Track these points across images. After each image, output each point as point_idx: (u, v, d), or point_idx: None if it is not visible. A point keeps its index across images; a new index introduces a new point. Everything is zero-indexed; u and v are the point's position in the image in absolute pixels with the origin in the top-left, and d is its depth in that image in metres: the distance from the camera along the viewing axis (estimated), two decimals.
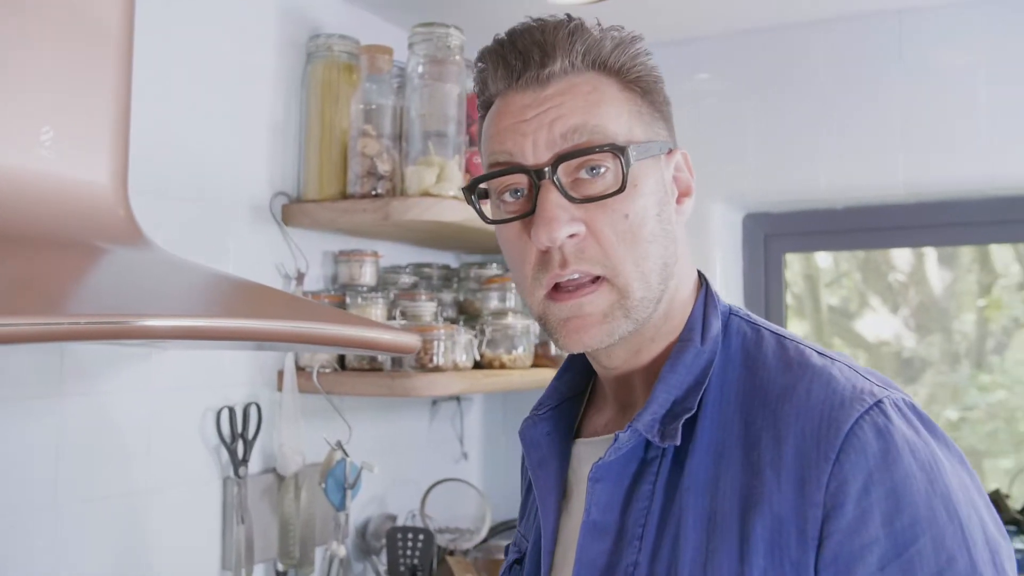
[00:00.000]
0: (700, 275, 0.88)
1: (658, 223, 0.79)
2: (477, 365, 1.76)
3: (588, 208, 0.76)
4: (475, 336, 1.75)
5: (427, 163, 1.65)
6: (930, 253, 2.97)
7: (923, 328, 3.11)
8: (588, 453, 0.85)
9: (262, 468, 1.65)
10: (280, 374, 1.68)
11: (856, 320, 3.13)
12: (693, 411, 0.78)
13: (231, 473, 1.57)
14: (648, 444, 0.79)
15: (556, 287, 0.77)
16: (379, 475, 1.85)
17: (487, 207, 0.83)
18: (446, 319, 1.79)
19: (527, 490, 0.97)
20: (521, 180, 0.78)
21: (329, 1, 1.82)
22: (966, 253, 2.91)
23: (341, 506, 1.66)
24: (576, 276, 0.76)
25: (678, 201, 0.83)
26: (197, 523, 1.53)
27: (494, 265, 1.97)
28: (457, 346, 1.68)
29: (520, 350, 1.82)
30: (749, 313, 0.86)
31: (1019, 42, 1.85)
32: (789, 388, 0.76)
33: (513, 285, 1.87)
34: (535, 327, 1.91)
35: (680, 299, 0.83)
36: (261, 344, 1.32)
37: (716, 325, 0.82)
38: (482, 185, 0.82)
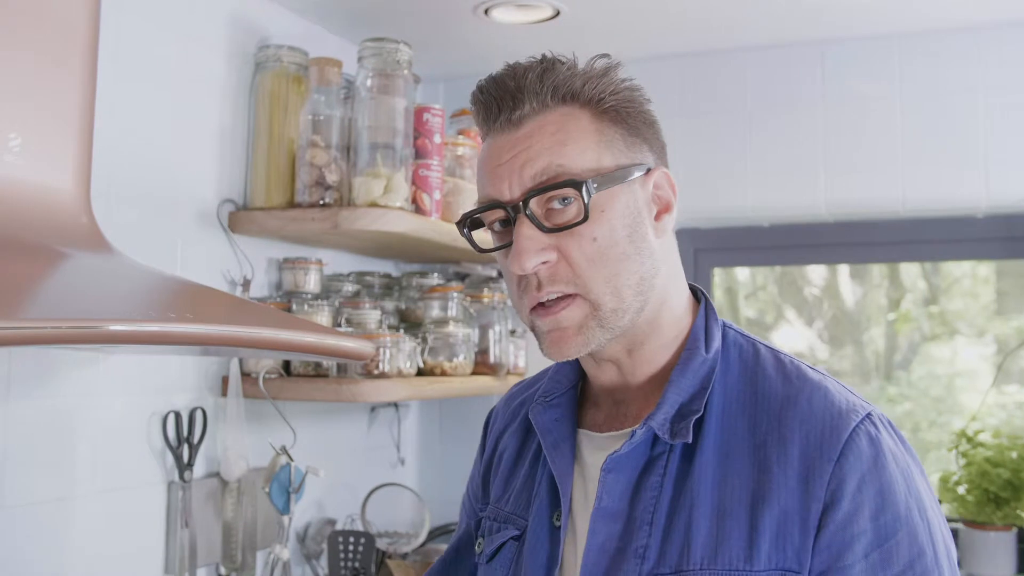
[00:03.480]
0: (698, 291, 0.97)
1: (629, 242, 0.86)
2: (419, 372, 1.81)
3: (559, 235, 0.85)
4: (418, 344, 1.80)
5: (374, 174, 1.69)
6: (843, 268, 3.12)
7: (836, 340, 3.26)
8: (591, 444, 0.93)
9: (206, 472, 1.66)
10: (225, 380, 1.69)
11: (772, 332, 3.27)
12: (700, 412, 0.87)
13: (176, 477, 1.58)
14: (655, 440, 0.88)
15: (539, 303, 0.87)
16: (318, 480, 1.87)
17: (478, 235, 0.94)
18: (389, 327, 1.83)
19: (510, 468, 1.02)
20: (503, 213, 0.88)
21: (279, 12, 1.84)
22: (876, 269, 3.07)
23: (285, 510, 1.68)
24: (553, 296, 0.86)
25: (657, 218, 0.90)
26: (141, 527, 1.54)
27: (435, 275, 2.02)
28: (402, 353, 1.72)
29: (461, 358, 1.87)
30: (740, 328, 0.96)
31: (931, 72, 1.99)
32: (792, 397, 0.87)
33: (454, 295, 1.93)
34: (475, 335, 1.97)
35: (671, 308, 0.92)
36: (210, 349, 1.34)
37: (718, 336, 0.92)
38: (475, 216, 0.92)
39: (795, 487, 0.83)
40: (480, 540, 1.02)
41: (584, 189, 0.84)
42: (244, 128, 1.76)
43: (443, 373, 1.84)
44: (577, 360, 0.97)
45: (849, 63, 2.05)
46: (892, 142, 2.02)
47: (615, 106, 0.88)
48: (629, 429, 0.90)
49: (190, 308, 1.14)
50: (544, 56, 0.89)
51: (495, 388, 1.99)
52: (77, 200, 1.09)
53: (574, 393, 0.98)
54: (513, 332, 2.12)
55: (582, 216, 0.84)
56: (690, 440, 0.86)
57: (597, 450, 0.92)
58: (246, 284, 1.73)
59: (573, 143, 0.86)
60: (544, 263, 0.85)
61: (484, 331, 2.01)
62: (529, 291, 0.86)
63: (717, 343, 0.92)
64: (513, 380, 2.07)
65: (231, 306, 1.13)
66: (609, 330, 0.87)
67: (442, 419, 2.34)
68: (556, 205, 0.86)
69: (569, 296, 0.86)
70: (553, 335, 0.87)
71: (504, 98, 0.87)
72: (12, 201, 1.01)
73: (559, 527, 0.91)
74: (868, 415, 0.85)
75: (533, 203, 0.86)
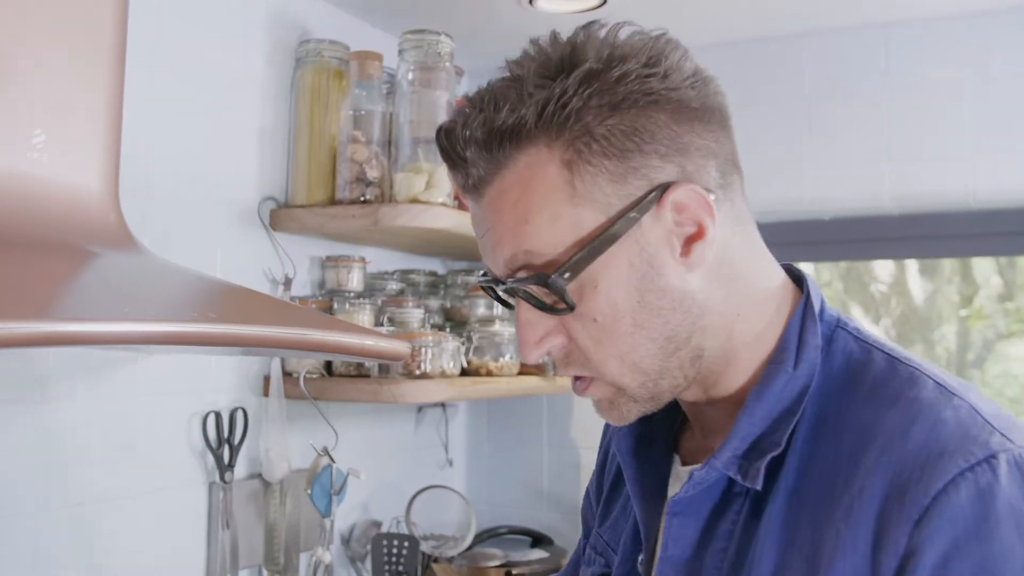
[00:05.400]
0: (799, 279, 0.77)
1: (641, 308, 0.69)
2: (464, 372, 1.76)
3: (562, 316, 0.70)
4: (462, 343, 1.76)
5: (416, 170, 1.65)
6: (911, 264, 3.00)
7: (905, 338, 3.14)
8: (676, 478, 0.79)
9: (248, 474, 1.64)
10: (266, 379, 1.67)
11: None
12: (780, 449, 0.68)
13: (216, 478, 1.56)
14: (731, 479, 0.71)
15: None
16: (364, 481, 1.84)
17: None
18: (433, 326, 1.79)
19: (612, 486, 0.89)
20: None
21: (319, 6, 1.82)
22: (947, 264, 2.94)
23: (327, 512, 1.65)
24: (572, 374, 0.74)
25: (685, 251, 0.69)
26: (182, 528, 1.53)
27: (481, 272, 1.97)
28: (444, 353, 1.68)
29: (507, 357, 1.82)
30: (860, 326, 0.75)
31: (1004, 56, 1.88)
32: (888, 428, 0.66)
33: None
34: None
35: (745, 330, 0.73)
36: (250, 349, 1.32)
37: (814, 344, 0.72)
38: None
39: (861, 553, 0.62)
40: (583, 568, 0.90)
41: (552, 283, 0.67)
42: (285, 124, 1.74)
43: (488, 373, 1.79)
44: None
45: (915, 46, 1.95)
46: (961, 130, 1.91)
47: (595, 127, 0.67)
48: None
49: (222, 308, 1.11)
50: (506, 73, 0.71)
51: (542, 389, 1.93)
52: (105, 198, 1.07)
53: (672, 409, 0.79)
54: None
55: (565, 306, 0.68)
56: (759, 487, 0.68)
57: (678, 485, 0.76)
58: (287, 283, 1.71)
59: (537, 214, 0.67)
60: (553, 346, 0.72)
61: None
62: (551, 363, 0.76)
63: (812, 353, 0.71)
64: (562, 381, 2.02)
65: (252, 305, 1.10)
66: (648, 401, 0.73)
67: (490, 420, 2.29)
68: None
69: (589, 376, 0.73)
70: (594, 403, 0.75)
71: (455, 160, 0.71)
72: (37, 198, 1.00)
73: (642, 573, 0.77)
74: (989, 458, 0.61)
75: None
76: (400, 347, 1.21)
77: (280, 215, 1.69)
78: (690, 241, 0.69)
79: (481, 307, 1.88)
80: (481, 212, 0.72)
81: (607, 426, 0.94)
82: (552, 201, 0.68)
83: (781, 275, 0.77)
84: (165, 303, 1.07)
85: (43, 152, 1.00)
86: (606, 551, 0.85)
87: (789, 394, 0.70)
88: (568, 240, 0.68)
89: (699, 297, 0.70)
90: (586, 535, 0.94)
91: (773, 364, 0.71)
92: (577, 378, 0.74)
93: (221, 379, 1.60)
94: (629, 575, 0.79)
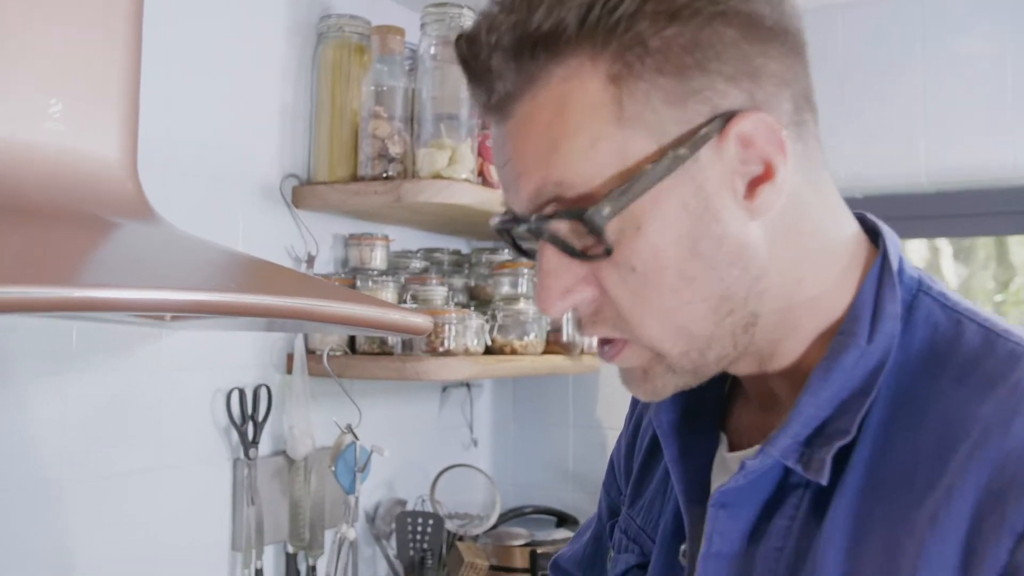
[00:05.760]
0: (874, 231, 0.65)
1: (691, 259, 0.57)
2: (488, 351, 1.75)
3: (593, 263, 0.59)
4: (487, 321, 1.74)
5: (439, 146, 1.64)
6: (945, 248, 2.93)
7: None
8: (723, 462, 0.68)
9: (272, 451, 1.64)
10: (290, 357, 1.67)
11: None
12: (850, 437, 0.58)
13: (241, 455, 1.56)
14: (789, 468, 0.61)
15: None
16: (388, 460, 1.84)
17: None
18: (457, 304, 1.78)
19: (644, 463, 0.79)
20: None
21: None
22: (982, 249, 2.87)
23: (351, 489, 1.65)
24: (600, 336, 0.62)
25: (750, 194, 0.58)
26: (208, 504, 1.53)
27: (505, 251, 1.96)
28: (468, 331, 1.67)
29: (532, 336, 1.81)
30: (946, 291, 0.62)
31: None
32: (983, 418, 0.55)
33: (525, 271, 1.86)
34: None
35: (810, 289, 0.61)
36: (272, 323, 1.31)
37: (892, 312, 0.60)
38: None
39: (949, 564, 0.53)
40: (611, 553, 0.80)
41: (587, 219, 0.56)
42: (307, 101, 1.72)
43: (513, 352, 1.78)
44: None
45: (953, 16, 1.89)
46: (1002, 103, 1.85)
47: (646, 38, 0.55)
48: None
49: (245, 280, 1.11)
50: None
51: (568, 368, 1.92)
52: (122, 168, 1.07)
53: (720, 378, 0.68)
54: None
55: (601, 251, 0.57)
56: (824, 482, 0.58)
57: (726, 472, 0.65)
58: (310, 260, 1.70)
59: (573, 137, 0.56)
60: (580, 300, 0.60)
61: None
62: (575, 321, 0.63)
63: (889, 323, 0.60)
64: (588, 360, 2.00)
65: (272, 276, 1.09)
66: (688, 374, 0.62)
67: (516, 400, 2.28)
68: None
69: (621, 339, 0.61)
70: (622, 374, 0.64)
71: (477, 72, 0.59)
72: (55, 168, 0.99)
73: (688, 565, 0.67)
74: None
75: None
76: (422, 321, 1.20)
77: (302, 192, 1.68)
78: (756, 183, 0.58)
79: (506, 286, 1.86)
80: (505, 136, 0.60)
81: None
82: (593, 122, 0.56)
83: (854, 227, 0.64)
84: (188, 273, 1.06)
85: (59, 122, 0.99)
86: (640, 537, 0.75)
87: (861, 372, 0.59)
88: (609, 170, 0.56)
89: (760, 252, 0.59)
90: (611, 513, 0.85)
91: (842, 336, 0.60)
92: (605, 342, 0.62)
93: (244, 357, 1.60)
94: (671, 567, 0.69)
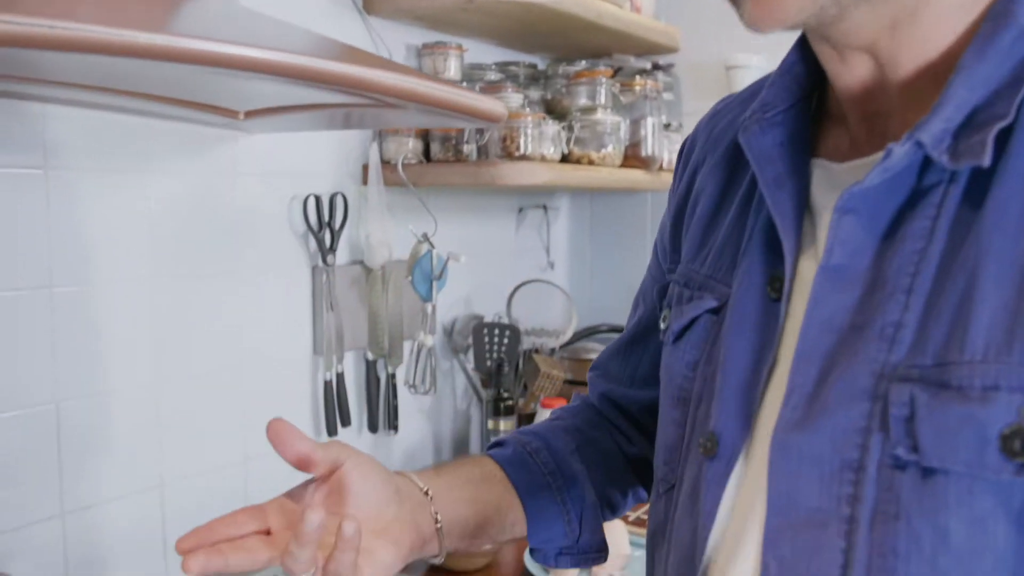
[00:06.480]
0: None
1: None
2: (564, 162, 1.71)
3: None
4: (563, 129, 1.69)
5: None
6: None
7: None
8: (828, 179, 0.63)
9: (349, 260, 1.66)
10: (365, 168, 1.66)
11: None
12: (1009, 119, 0.52)
13: (319, 262, 1.58)
14: (925, 165, 0.55)
15: None
16: (465, 277, 1.85)
17: None
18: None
19: (709, 216, 0.74)
20: None
21: None
22: None
23: (428, 297, 1.66)
24: None
25: None
26: (288, 308, 1.56)
27: (583, 62, 1.88)
28: (544, 137, 1.62)
29: (609, 148, 1.75)
30: None
31: None
32: None
33: (603, 79, 1.79)
34: (626, 128, 1.84)
35: None
36: (350, 117, 1.28)
37: None
38: None
39: None
40: (666, 313, 0.75)
41: None
42: None
43: (590, 163, 1.73)
44: (810, 58, 0.65)
45: None
46: None
47: None
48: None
49: (328, 51, 1.07)
50: None
51: (646, 183, 1.87)
52: None
53: (806, 106, 0.66)
54: (668, 126, 1.98)
55: None
56: (986, 163, 0.52)
57: (835, 188, 0.60)
58: None
59: None
60: None
61: (636, 124, 1.87)
62: None
63: None
64: (666, 177, 1.94)
65: (352, 52, 1.05)
66: None
67: (592, 222, 2.25)
68: None
69: None
70: None
71: None
72: None
73: (777, 299, 0.62)
74: None
75: None
76: (496, 106, 1.16)
77: None
78: None
79: (583, 96, 1.80)
80: None
81: (682, 154, 0.83)
82: None
83: None
84: (271, 38, 1.03)
85: None
86: (708, 284, 0.70)
87: (1018, 54, 0.53)
88: None
89: None
90: (657, 282, 0.82)
91: (994, 16, 0.54)
92: None
93: (320, 165, 1.59)
94: (758, 301, 0.64)
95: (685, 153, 0.82)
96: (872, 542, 0.53)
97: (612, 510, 0.88)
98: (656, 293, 0.83)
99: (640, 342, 0.87)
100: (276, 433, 0.64)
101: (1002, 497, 0.50)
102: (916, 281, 0.54)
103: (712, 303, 0.69)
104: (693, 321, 0.70)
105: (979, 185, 0.53)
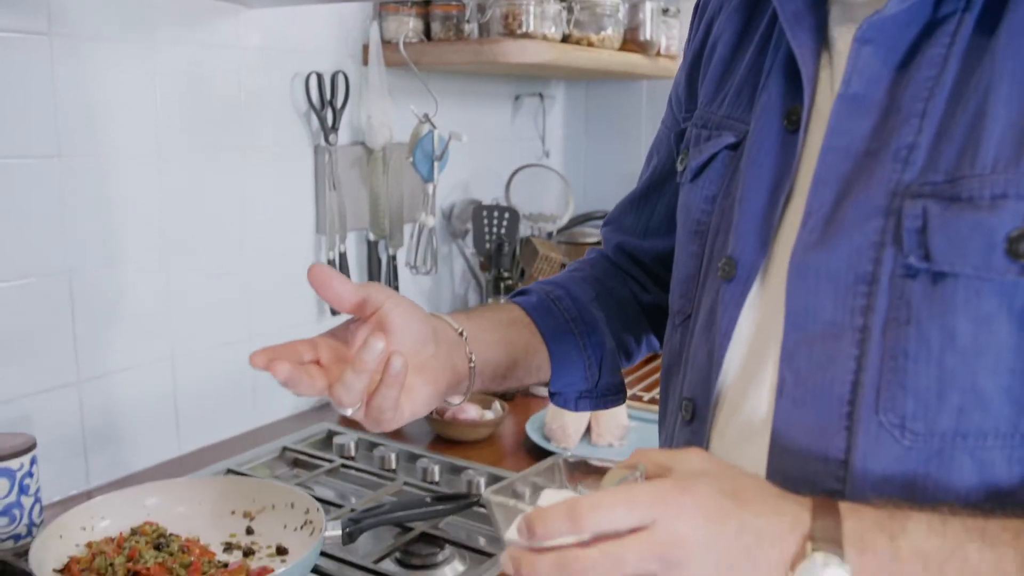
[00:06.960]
0: None
1: None
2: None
3: None
4: (563, 10, 1.68)
5: None
6: None
7: None
8: (845, 14, 0.64)
9: (351, 140, 1.66)
10: (365, 48, 1.65)
11: None
12: None
13: (322, 141, 1.58)
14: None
15: None
16: (463, 162, 1.86)
17: None
18: None
19: (726, 61, 0.76)
20: None
21: None
22: None
23: (430, 176, 1.68)
24: None
25: None
26: (291, 185, 1.57)
27: None
28: (546, 18, 1.62)
29: (609, 30, 1.75)
30: None
31: None
32: None
33: None
34: (625, 11, 1.83)
35: None
36: None
37: None
38: None
39: None
40: (683, 155, 0.78)
41: None
42: None
43: (589, 45, 1.73)
44: None
45: None
46: None
47: None
48: None
49: None
50: None
51: (644, 68, 1.87)
52: None
53: None
54: (666, 11, 1.97)
55: None
56: None
57: (853, 22, 0.62)
58: None
59: None
60: None
61: (635, 9, 1.86)
62: None
63: None
64: (664, 63, 1.94)
65: None
66: None
67: (588, 111, 2.25)
68: None
69: None
70: None
71: None
72: None
73: (794, 131, 0.64)
74: None
75: None
76: None
77: None
78: None
79: None
80: None
81: (698, 5, 0.83)
82: None
83: None
84: None
85: None
86: (726, 123, 0.72)
87: None
88: None
89: None
90: (673, 129, 0.84)
91: None
92: None
93: (320, 42, 1.58)
94: (776, 134, 0.66)
95: (700, 7, 0.83)
96: (884, 347, 0.57)
97: (627, 357, 0.91)
98: (673, 139, 0.86)
99: (656, 190, 0.89)
100: (316, 276, 0.65)
101: (1005, 298, 0.54)
102: (929, 105, 0.57)
103: (731, 139, 0.71)
104: (712, 158, 0.72)
105: (993, 12, 0.55)
